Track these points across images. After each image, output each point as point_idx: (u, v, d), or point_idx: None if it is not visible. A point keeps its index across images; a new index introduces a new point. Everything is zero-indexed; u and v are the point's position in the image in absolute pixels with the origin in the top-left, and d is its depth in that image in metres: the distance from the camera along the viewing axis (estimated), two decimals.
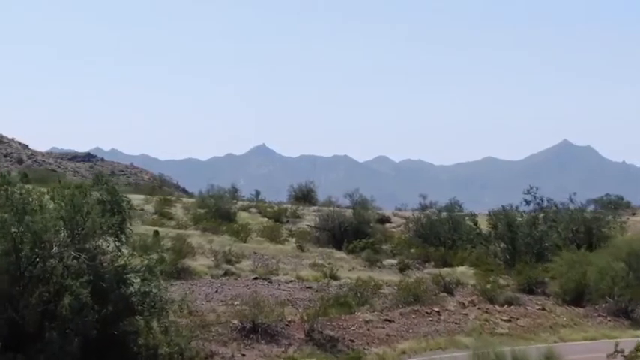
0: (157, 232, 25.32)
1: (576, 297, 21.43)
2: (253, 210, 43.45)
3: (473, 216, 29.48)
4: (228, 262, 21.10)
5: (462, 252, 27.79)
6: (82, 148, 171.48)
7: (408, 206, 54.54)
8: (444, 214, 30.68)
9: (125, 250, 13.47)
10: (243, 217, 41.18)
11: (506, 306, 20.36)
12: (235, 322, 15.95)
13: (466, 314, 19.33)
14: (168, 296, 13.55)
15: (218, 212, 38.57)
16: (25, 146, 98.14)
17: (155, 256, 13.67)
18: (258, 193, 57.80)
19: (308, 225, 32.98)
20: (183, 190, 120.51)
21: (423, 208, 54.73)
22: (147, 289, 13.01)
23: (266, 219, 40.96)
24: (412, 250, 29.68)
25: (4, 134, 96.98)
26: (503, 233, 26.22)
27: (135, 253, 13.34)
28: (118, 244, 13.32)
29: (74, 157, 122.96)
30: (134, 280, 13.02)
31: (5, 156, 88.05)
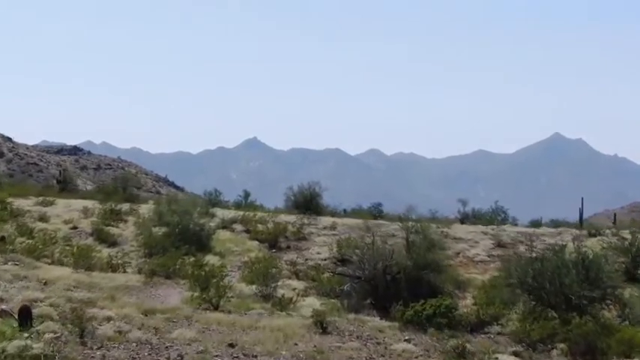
0: (26, 320, 11.57)
1: None
2: (238, 227, 30.30)
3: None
4: None
5: (627, 329, 14.76)
6: (73, 142, 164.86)
7: (439, 211, 42.46)
8: (572, 251, 17.24)
9: None
10: (223, 238, 27.96)
11: None
12: None
13: None
14: None
15: (183, 235, 25.39)
16: (8, 139, 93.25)
17: None
18: (247, 195, 44.57)
19: (332, 272, 19.59)
20: (173, 184, 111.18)
21: (463, 217, 43.22)
22: None
23: (257, 242, 27.91)
24: (514, 317, 16.68)
25: None
26: None
27: None
28: None
29: (60, 151, 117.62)
30: None
31: None
